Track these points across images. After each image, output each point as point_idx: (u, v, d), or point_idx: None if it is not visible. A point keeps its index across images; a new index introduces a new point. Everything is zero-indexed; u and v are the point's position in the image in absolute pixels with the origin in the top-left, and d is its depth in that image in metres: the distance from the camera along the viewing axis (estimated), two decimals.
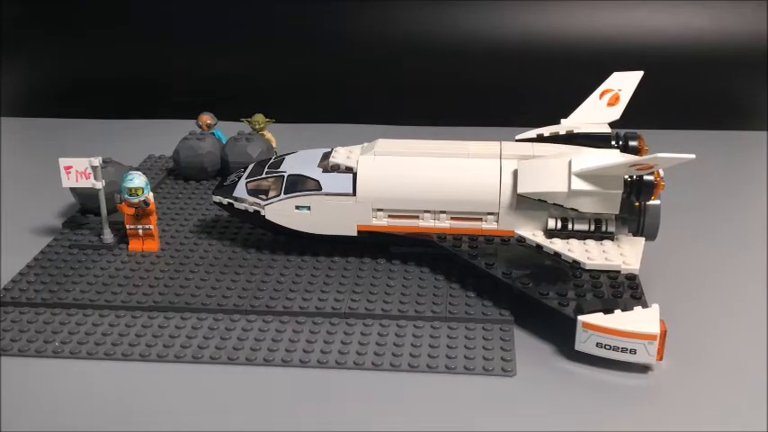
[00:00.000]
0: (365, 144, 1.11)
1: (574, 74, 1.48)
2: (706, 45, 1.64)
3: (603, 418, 0.82)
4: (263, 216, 1.08)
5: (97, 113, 1.76)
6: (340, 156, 1.08)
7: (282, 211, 1.07)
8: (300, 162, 1.10)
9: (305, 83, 1.75)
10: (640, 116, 1.16)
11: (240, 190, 1.10)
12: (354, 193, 1.04)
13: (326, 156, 1.09)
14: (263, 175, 1.09)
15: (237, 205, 1.10)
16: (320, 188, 1.05)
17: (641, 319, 0.87)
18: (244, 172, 1.13)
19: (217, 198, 1.12)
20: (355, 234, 1.06)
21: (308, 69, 1.76)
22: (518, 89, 1.69)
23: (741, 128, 1.60)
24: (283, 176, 1.07)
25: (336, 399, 0.85)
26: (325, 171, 1.06)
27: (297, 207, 1.06)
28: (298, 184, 1.06)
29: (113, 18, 1.82)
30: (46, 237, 1.19)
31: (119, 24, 1.82)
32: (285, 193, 1.06)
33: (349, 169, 1.05)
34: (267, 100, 1.58)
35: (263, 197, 1.08)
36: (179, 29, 1.81)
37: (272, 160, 1.13)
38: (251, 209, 1.09)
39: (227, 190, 1.12)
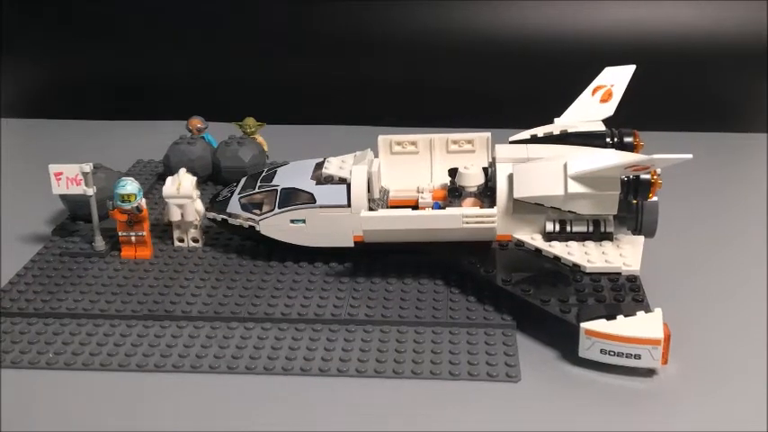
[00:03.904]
0: (357, 153, 1.10)
1: (566, 71, 1.47)
2: (704, 44, 1.65)
3: (610, 423, 0.81)
4: (259, 231, 1.07)
5: (82, 115, 1.74)
6: (333, 166, 1.07)
7: (277, 226, 1.06)
8: (293, 174, 1.09)
9: (297, 85, 1.73)
10: (637, 117, 1.16)
11: (234, 205, 1.09)
12: (349, 205, 1.03)
13: (319, 166, 1.08)
14: (256, 190, 1.08)
15: (232, 221, 1.09)
16: (314, 201, 1.04)
17: (644, 324, 0.86)
18: (236, 186, 1.11)
19: (211, 214, 1.11)
20: (352, 245, 1.05)
21: (301, 71, 1.74)
22: (511, 89, 1.68)
23: (741, 130, 1.60)
24: (276, 190, 1.06)
25: (339, 407, 0.84)
26: (318, 183, 1.05)
27: (292, 221, 1.05)
28: (291, 197, 1.05)
29: (107, 19, 1.80)
30: (35, 245, 1.17)
31: (112, 26, 1.80)
32: (279, 207, 1.05)
33: (342, 180, 1.04)
34: (258, 103, 1.57)
35: (257, 212, 1.07)
36: (170, 31, 1.79)
37: (264, 173, 1.12)
38: (246, 224, 1.08)
39: (221, 206, 1.10)
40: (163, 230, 1.19)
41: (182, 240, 1.15)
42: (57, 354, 0.92)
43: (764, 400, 0.84)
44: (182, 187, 1.11)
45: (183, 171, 1.14)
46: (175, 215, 1.12)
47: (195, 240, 1.15)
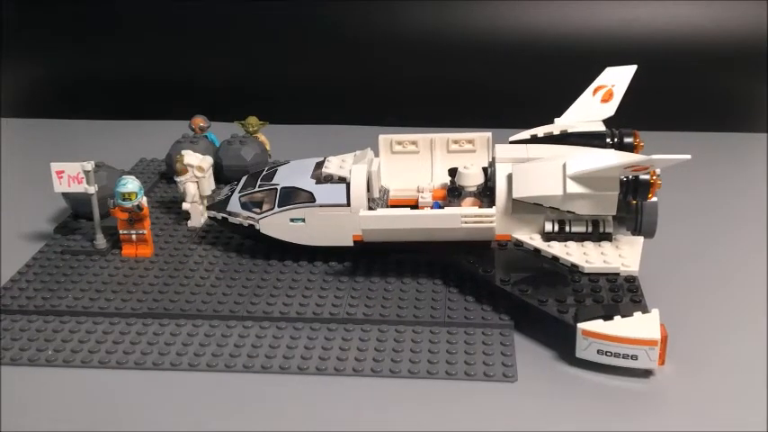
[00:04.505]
0: (357, 152, 1.10)
1: (567, 71, 1.47)
2: (705, 44, 1.64)
3: (606, 423, 0.81)
4: (258, 230, 1.07)
5: (85, 114, 1.74)
6: (333, 165, 1.07)
7: (277, 225, 1.06)
8: (293, 173, 1.09)
9: (300, 85, 1.74)
10: (638, 117, 1.16)
11: (234, 204, 1.09)
12: (349, 204, 1.03)
13: (319, 165, 1.08)
14: (257, 189, 1.08)
15: (232, 220, 1.09)
16: (314, 200, 1.04)
17: (642, 325, 0.86)
18: (237, 185, 1.12)
19: (211, 213, 1.12)
20: (351, 244, 1.05)
21: (302, 71, 1.75)
22: (511, 88, 1.68)
23: (741, 129, 1.60)
24: (276, 189, 1.07)
25: (336, 406, 0.84)
26: (318, 182, 1.05)
27: (291, 220, 1.05)
28: (291, 196, 1.05)
29: (108, 19, 1.80)
30: (37, 242, 1.18)
31: (112, 26, 1.81)
32: (279, 206, 1.05)
33: (342, 179, 1.04)
34: (260, 102, 1.57)
35: (257, 211, 1.07)
36: (171, 30, 1.79)
37: (264, 172, 1.12)
38: (245, 223, 1.08)
39: (221, 204, 1.11)
40: (162, 228, 1.20)
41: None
42: (56, 351, 0.92)
43: (761, 400, 0.84)
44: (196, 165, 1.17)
45: (188, 153, 1.19)
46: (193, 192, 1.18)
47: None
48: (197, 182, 1.17)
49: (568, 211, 0.99)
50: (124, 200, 1.08)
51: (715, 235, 1.18)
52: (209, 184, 1.19)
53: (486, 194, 1.07)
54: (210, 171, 1.19)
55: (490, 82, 1.69)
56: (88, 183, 1.10)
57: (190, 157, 1.17)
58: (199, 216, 1.19)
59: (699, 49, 1.64)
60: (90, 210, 1.12)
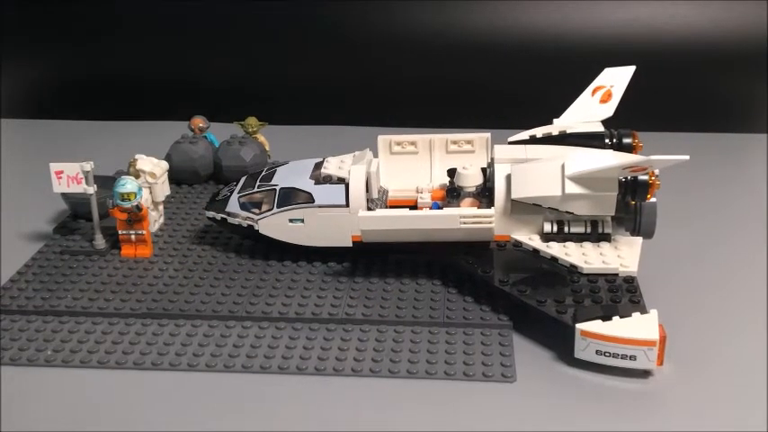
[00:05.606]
0: (356, 153, 1.11)
1: (566, 72, 1.47)
2: (704, 44, 1.64)
3: (605, 424, 0.81)
4: (257, 230, 1.07)
5: (85, 114, 1.74)
6: (331, 166, 1.07)
7: (276, 225, 1.06)
8: (292, 174, 1.09)
9: (299, 85, 1.74)
10: (637, 118, 1.16)
11: (233, 204, 1.09)
12: (347, 205, 1.03)
13: (318, 166, 1.09)
14: (256, 189, 1.09)
15: (231, 220, 1.09)
16: (313, 200, 1.04)
17: (640, 326, 0.86)
18: (236, 185, 1.12)
19: (210, 213, 1.12)
20: (350, 245, 1.05)
21: (302, 71, 1.75)
22: (510, 89, 1.68)
23: (741, 130, 1.60)
24: (275, 189, 1.07)
25: (334, 406, 0.84)
26: (317, 183, 1.05)
27: (290, 220, 1.05)
28: (290, 196, 1.06)
29: (108, 19, 1.81)
30: (36, 243, 1.18)
31: (112, 26, 1.81)
32: (278, 207, 1.06)
33: (341, 180, 1.05)
34: (260, 102, 1.57)
35: (256, 211, 1.07)
36: (171, 30, 1.79)
37: (263, 173, 1.12)
38: (244, 223, 1.08)
39: (220, 205, 1.11)
40: (161, 229, 1.20)
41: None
42: (55, 351, 0.93)
43: (761, 401, 0.84)
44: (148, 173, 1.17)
45: (141, 157, 1.19)
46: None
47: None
48: (149, 188, 1.16)
49: (567, 212, 0.99)
50: (123, 200, 1.08)
51: (714, 236, 1.19)
52: (162, 191, 1.18)
53: (484, 195, 1.07)
54: (165, 177, 1.19)
55: (489, 82, 1.69)
56: (87, 183, 1.10)
57: (143, 162, 1.17)
58: (153, 222, 1.17)
59: (698, 49, 1.64)
60: (89, 210, 1.12)
